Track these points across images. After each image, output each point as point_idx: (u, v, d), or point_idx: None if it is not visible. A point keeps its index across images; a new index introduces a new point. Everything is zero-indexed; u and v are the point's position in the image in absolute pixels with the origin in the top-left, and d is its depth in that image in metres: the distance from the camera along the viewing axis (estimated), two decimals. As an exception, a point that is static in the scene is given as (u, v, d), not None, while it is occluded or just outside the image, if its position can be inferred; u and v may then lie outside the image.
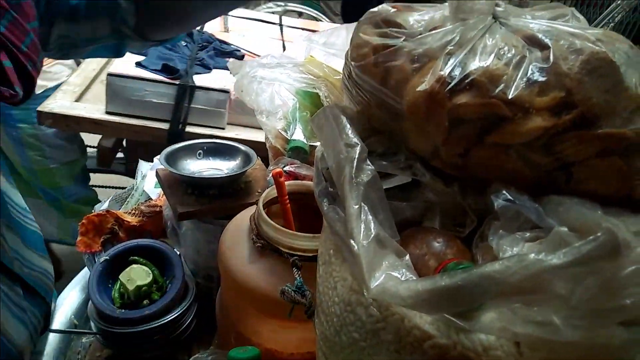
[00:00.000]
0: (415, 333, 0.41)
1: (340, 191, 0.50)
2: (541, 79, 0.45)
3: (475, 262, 0.46)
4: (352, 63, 0.53)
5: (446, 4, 0.53)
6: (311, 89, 0.89)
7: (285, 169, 0.84)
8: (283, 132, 0.90)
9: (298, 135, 0.89)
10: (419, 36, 0.49)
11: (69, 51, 0.76)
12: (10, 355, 0.66)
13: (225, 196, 0.94)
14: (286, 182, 0.79)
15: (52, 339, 0.91)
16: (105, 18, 0.71)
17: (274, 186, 0.78)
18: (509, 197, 0.44)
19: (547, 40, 0.47)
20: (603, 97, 0.44)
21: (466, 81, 0.46)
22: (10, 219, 0.79)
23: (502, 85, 0.45)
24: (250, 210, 0.83)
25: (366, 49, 0.52)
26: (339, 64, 0.94)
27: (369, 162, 0.49)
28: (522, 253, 0.34)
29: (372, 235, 0.43)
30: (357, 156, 0.49)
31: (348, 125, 0.52)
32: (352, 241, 0.43)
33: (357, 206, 0.45)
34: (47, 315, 0.75)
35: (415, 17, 0.53)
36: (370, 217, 0.44)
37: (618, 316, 0.33)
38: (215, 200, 0.92)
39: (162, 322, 0.87)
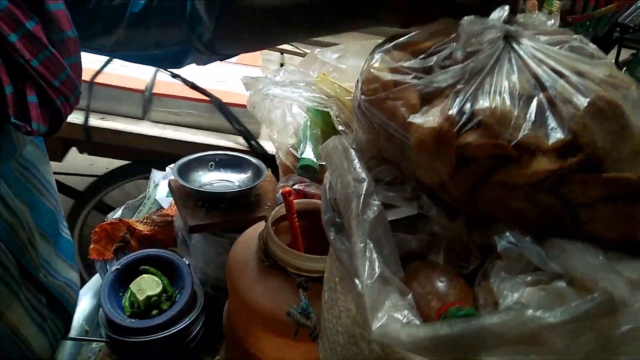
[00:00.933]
0: (416, 373, 0.42)
1: (346, 224, 0.51)
2: (548, 121, 0.45)
3: (476, 301, 0.47)
4: (362, 97, 0.54)
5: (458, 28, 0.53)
6: (322, 107, 0.90)
7: (294, 187, 0.85)
8: (293, 150, 0.91)
9: (308, 153, 0.89)
10: (430, 76, 0.49)
11: (127, 56, 0.74)
12: None
13: (235, 209, 0.95)
14: (295, 201, 0.80)
15: (64, 345, 0.93)
16: (177, 28, 0.70)
17: (283, 204, 0.79)
18: (512, 239, 0.45)
19: (554, 80, 0.47)
20: (608, 140, 0.44)
21: (474, 121, 0.46)
22: (47, 228, 0.80)
23: (510, 126, 0.45)
24: (260, 226, 0.84)
25: (376, 84, 0.52)
26: (350, 82, 0.94)
27: (375, 197, 0.50)
28: (521, 307, 0.34)
29: (377, 275, 0.43)
30: (364, 192, 0.49)
31: (356, 160, 0.53)
32: (356, 280, 0.44)
33: (362, 244, 0.46)
34: (68, 324, 0.76)
35: (427, 48, 0.53)
36: (375, 255, 0.45)
37: (615, 373, 0.34)
38: (226, 214, 0.93)
39: (171, 332, 0.89)
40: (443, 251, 0.52)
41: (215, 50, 0.76)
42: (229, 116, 1.94)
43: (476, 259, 0.49)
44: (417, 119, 0.48)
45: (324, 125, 0.93)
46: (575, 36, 0.55)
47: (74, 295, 0.80)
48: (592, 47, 0.55)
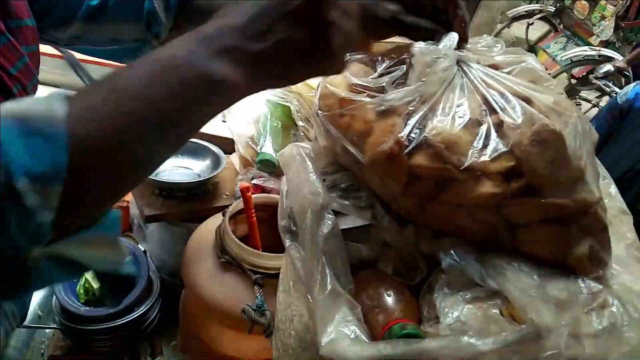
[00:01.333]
0: (361, 384, 0.44)
1: (300, 235, 0.52)
2: (494, 146, 0.48)
3: (421, 313, 0.50)
4: (319, 109, 0.55)
5: (412, 49, 0.55)
6: (283, 101, 0.90)
7: (253, 181, 0.86)
8: (252, 143, 0.92)
9: (268, 147, 0.90)
10: (383, 95, 0.51)
11: (80, 49, 0.72)
12: None
13: (193, 198, 0.95)
14: (254, 195, 0.81)
15: (17, 330, 0.92)
16: (133, 25, 0.67)
17: (242, 199, 0.80)
18: (456, 257, 0.47)
19: (501, 107, 0.49)
20: (549, 168, 0.47)
21: (423, 144, 0.48)
22: None
23: (458, 151, 0.48)
24: (217, 218, 0.85)
25: (332, 100, 0.53)
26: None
27: (330, 211, 0.52)
28: (458, 334, 0.37)
29: (327, 291, 0.46)
30: (319, 206, 0.51)
31: (313, 172, 0.54)
32: (309, 295, 0.46)
33: (315, 260, 0.48)
34: (24, 313, 0.75)
35: (381, 68, 0.54)
36: (327, 270, 0.47)
37: (538, 392, 0.38)
38: (183, 203, 0.94)
39: (127, 320, 0.90)
40: (392, 261, 0.55)
41: None
42: (82, 74, 1.81)
43: (422, 271, 0.52)
44: (370, 139, 0.50)
45: (284, 119, 0.93)
46: (526, 57, 0.58)
47: None
48: (540, 69, 0.57)
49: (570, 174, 0.48)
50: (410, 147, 0.49)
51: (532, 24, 3.60)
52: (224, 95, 0.39)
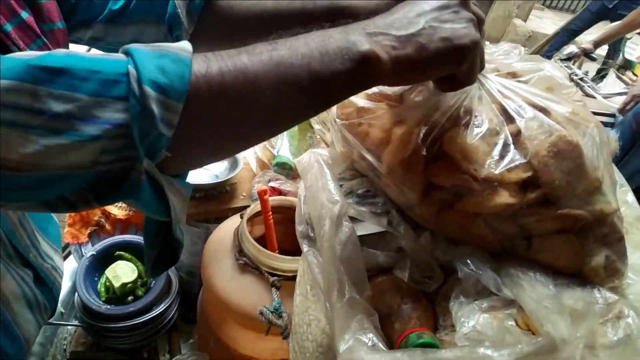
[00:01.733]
0: (378, 389, 0.45)
1: (319, 243, 0.53)
2: (511, 157, 0.48)
3: (436, 321, 0.50)
4: (337, 116, 0.56)
5: None
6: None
7: (270, 183, 0.87)
8: (269, 146, 0.93)
9: (285, 150, 0.91)
10: (402, 106, 0.51)
11: (100, 49, 0.75)
12: (17, 341, 0.67)
13: (211, 199, 0.97)
14: (270, 198, 0.82)
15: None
16: (154, 28, 0.68)
17: (259, 201, 0.81)
18: (472, 266, 0.48)
19: (519, 117, 0.50)
20: (565, 179, 0.47)
21: (441, 154, 0.49)
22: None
23: (474, 161, 0.48)
24: (235, 219, 0.87)
25: (351, 109, 0.54)
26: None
27: (347, 219, 0.53)
28: (474, 345, 0.38)
29: (346, 299, 0.47)
30: (337, 214, 0.52)
31: (331, 180, 0.55)
32: (327, 303, 0.47)
33: (333, 267, 0.49)
34: (53, 308, 0.78)
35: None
36: (345, 278, 0.48)
37: (552, 402, 0.38)
38: (201, 204, 0.95)
39: (146, 318, 0.92)
40: (408, 267, 0.55)
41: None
42: None
43: (439, 278, 0.53)
44: (388, 148, 0.51)
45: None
46: (544, 64, 0.58)
47: (59, 280, 0.81)
48: (559, 76, 0.57)
49: (587, 185, 0.48)
50: (427, 157, 0.49)
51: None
52: (367, 71, 0.42)
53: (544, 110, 0.51)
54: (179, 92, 0.38)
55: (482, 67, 0.48)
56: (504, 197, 0.48)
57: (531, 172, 0.48)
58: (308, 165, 0.58)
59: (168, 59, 0.38)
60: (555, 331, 0.37)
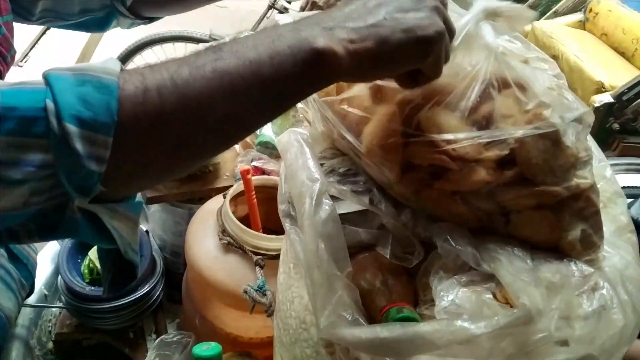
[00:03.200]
0: (359, 364, 0.46)
1: (299, 222, 0.54)
2: (488, 135, 0.48)
3: (417, 297, 0.51)
4: (316, 98, 0.56)
5: None
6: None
7: (253, 163, 0.87)
8: (252, 125, 0.92)
9: (267, 129, 0.91)
10: (382, 82, 0.51)
11: (53, 23, 0.75)
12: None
13: (193, 179, 0.96)
14: (253, 177, 0.82)
15: (24, 310, 0.95)
16: None
17: (242, 182, 0.81)
18: (452, 242, 0.49)
19: (496, 94, 0.50)
20: (542, 157, 0.48)
21: (419, 134, 0.49)
22: None
23: (452, 140, 0.48)
24: (218, 200, 0.87)
25: (331, 87, 0.54)
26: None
27: (328, 197, 0.53)
28: (453, 318, 0.39)
29: (326, 275, 0.47)
30: (317, 192, 0.52)
31: (311, 158, 0.55)
32: (308, 280, 0.48)
33: (314, 245, 0.49)
34: (32, 285, 0.77)
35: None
36: (325, 255, 0.49)
37: (528, 372, 0.39)
38: (184, 184, 0.95)
39: (131, 299, 0.92)
40: (390, 244, 0.56)
41: (139, 13, 0.77)
42: None
43: (419, 254, 0.54)
44: (367, 128, 0.51)
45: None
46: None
47: (33, 255, 0.82)
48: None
49: (564, 162, 0.49)
50: (406, 137, 0.49)
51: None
52: (323, 69, 0.39)
53: (520, 87, 0.51)
54: (106, 125, 0.34)
55: (447, 58, 0.45)
56: (482, 175, 0.49)
57: (508, 150, 0.49)
58: (288, 144, 0.58)
59: (91, 86, 0.35)
60: (531, 303, 0.38)
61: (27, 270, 0.77)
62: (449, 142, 0.48)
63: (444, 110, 0.49)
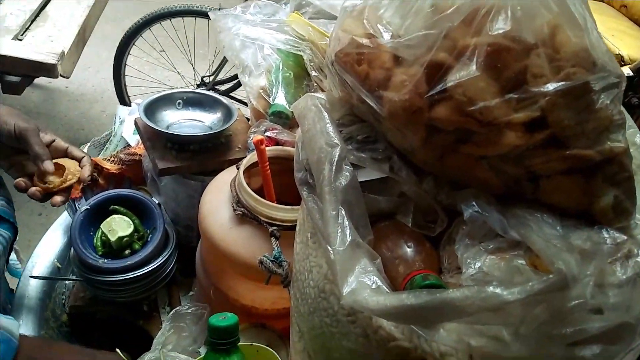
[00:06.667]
0: (382, 333, 0.45)
1: (318, 189, 0.52)
2: (518, 96, 0.46)
3: (441, 264, 0.50)
4: (334, 57, 0.53)
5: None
6: (295, 50, 0.88)
7: (266, 133, 0.85)
8: (264, 94, 0.90)
9: (280, 99, 0.88)
10: (403, 39, 0.49)
11: None
12: None
13: (206, 151, 0.95)
14: (267, 148, 0.80)
15: (38, 282, 0.95)
16: None
17: (255, 152, 0.79)
18: (477, 208, 0.47)
19: (526, 54, 0.47)
20: (574, 118, 0.46)
21: (444, 96, 0.47)
22: None
23: (480, 101, 0.46)
24: (231, 171, 0.85)
25: (349, 46, 0.52)
26: (325, 24, 0.92)
27: (347, 163, 0.51)
28: (482, 283, 0.37)
29: (348, 242, 0.46)
30: (336, 157, 0.50)
31: (329, 123, 0.53)
32: (328, 247, 0.46)
33: (334, 212, 0.47)
34: (16, 233, 0.84)
35: (399, 14, 0.52)
36: (346, 221, 0.47)
37: (562, 340, 0.38)
38: (196, 156, 0.93)
39: (144, 271, 0.91)
40: (411, 212, 0.54)
41: None
42: None
43: (442, 222, 0.52)
44: (389, 90, 0.49)
45: (296, 68, 0.91)
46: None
47: (10, 207, 0.84)
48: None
49: (597, 124, 0.47)
50: (431, 97, 0.47)
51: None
52: None
53: (553, 47, 0.48)
54: None
55: None
56: (510, 139, 0.47)
57: (539, 111, 0.46)
58: (305, 109, 0.56)
59: None
60: (566, 268, 0.36)
61: (9, 223, 0.83)
62: (476, 103, 0.46)
63: (471, 69, 0.47)
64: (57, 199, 0.83)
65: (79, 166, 0.86)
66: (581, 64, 0.46)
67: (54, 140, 0.84)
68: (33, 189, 0.80)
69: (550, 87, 0.45)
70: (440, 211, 0.52)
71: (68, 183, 0.83)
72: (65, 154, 0.86)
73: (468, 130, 0.47)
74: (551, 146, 0.47)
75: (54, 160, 0.83)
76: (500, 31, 0.46)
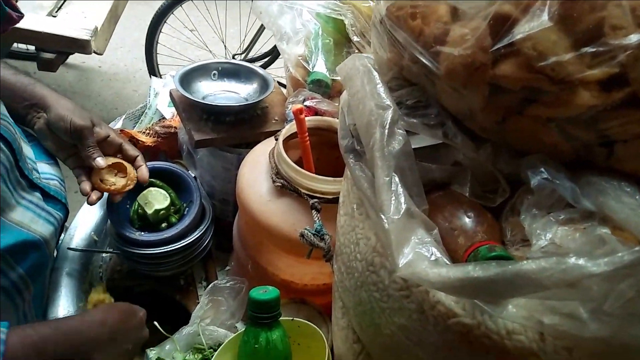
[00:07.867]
0: (440, 308, 0.42)
1: (368, 154, 0.48)
2: (594, 50, 0.41)
3: (503, 236, 0.46)
4: (385, 11, 0.49)
5: None
6: (336, 15, 0.84)
7: (305, 103, 0.81)
8: (303, 62, 0.86)
9: (320, 66, 0.84)
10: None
11: None
12: (37, 242, 0.74)
13: (242, 123, 0.92)
14: (306, 118, 0.77)
15: (76, 254, 0.94)
16: None
17: (294, 122, 0.76)
18: (546, 175, 0.43)
19: (603, 5, 0.43)
20: (659, 74, 0.41)
21: (511, 51, 0.42)
22: (24, 137, 0.82)
23: (551, 56, 0.41)
24: (269, 142, 0.82)
25: (403, 2, 0.47)
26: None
27: (400, 126, 0.47)
28: (561, 255, 0.33)
29: (403, 210, 0.42)
30: (389, 120, 0.47)
31: (380, 83, 0.49)
32: (382, 215, 0.43)
33: (387, 178, 0.44)
34: (66, 212, 0.84)
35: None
36: (400, 189, 0.44)
37: (649, 319, 0.34)
38: (231, 128, 0.91)
39: (181, 245, 0.90)
40: (469, 182, 0.50)
41: None
42: None
43: (504, 191, 0.48)
44: (447, 45, 0.44)
45: (337, 35, 0.87)
46: None
47: (62, 187, 0.85)
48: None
49: (684, 81, 0.42)
50: (495, 53, 0.43)
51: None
52: None
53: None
54: None
55: None
56: (585, 98, 0.42)
57: (618, 67, 0.41)
58: (352, 70, 0.53)
59: None
60: (659, 239, 0.32)
61: (60, 203, 0.82)
62: (547, 58, 0.41)
63: (540, 21, 0.42)
64: (114, 198, 0.87)
65: (134, 165, 0.87)
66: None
67: (108, 136, 0.85)
68: (94, 197, 0.83)
69: (634, 39, 0.40)
70: (502, 179, 0.48)
71: (127, 188, 0.85)
72: (120, 149, 0.87)
73: (536, 89, 0.43)
74: (631, 106, 0.42)
75: (110, 160, 0.85)
76: (576, -22, 0.41)
